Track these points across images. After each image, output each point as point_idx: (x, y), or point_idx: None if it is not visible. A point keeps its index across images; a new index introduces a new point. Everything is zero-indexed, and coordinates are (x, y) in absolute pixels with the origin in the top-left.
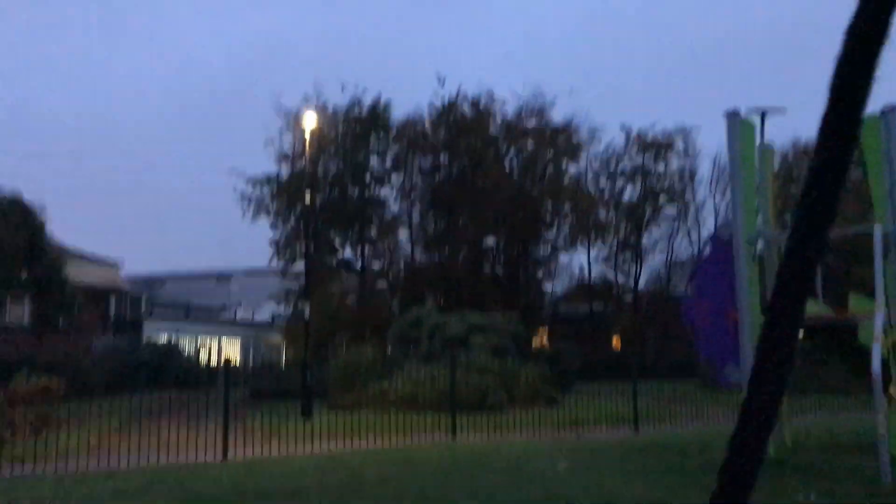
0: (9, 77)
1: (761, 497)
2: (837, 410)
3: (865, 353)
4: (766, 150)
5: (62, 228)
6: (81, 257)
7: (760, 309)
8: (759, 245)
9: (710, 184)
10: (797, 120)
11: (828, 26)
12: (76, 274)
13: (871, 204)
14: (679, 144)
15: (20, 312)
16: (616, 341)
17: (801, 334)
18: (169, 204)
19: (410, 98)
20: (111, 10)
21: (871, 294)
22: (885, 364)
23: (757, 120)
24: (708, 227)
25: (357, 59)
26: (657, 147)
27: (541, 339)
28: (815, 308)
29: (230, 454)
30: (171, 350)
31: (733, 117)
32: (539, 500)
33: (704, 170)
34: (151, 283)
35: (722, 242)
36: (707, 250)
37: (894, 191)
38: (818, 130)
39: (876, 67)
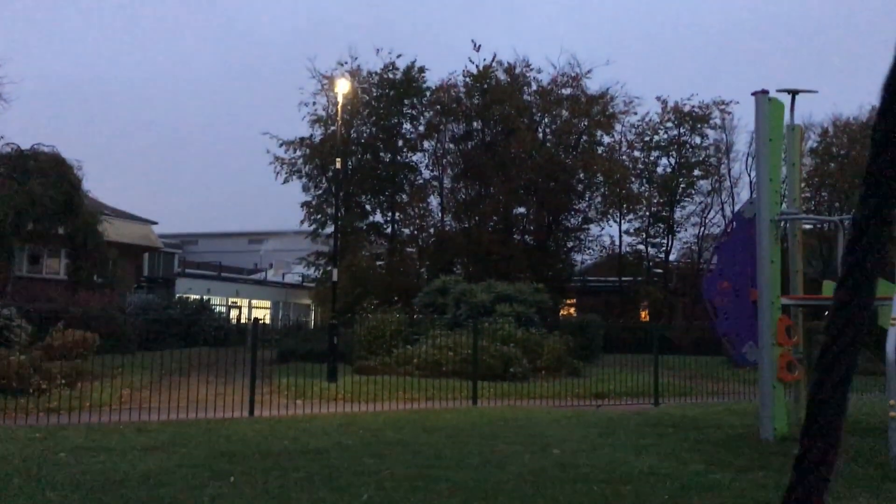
0: (51, 37)
1: (770, 474)
2: (859, 392)
3: (885, 336)
4: (796, 129)
5: (99, 186)
6: (117, 214)
7: (780, 289)
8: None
9: (746, 159)
10: (838, 96)
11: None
12: (111, 230)
13: None
14: (716, 117)
15: (56, 267)
16: (644, 314)
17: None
18: (203, 165)
19: (445, 66)
20: None
21: (891, 278)
22: None
23: (787, 99)
24: (742, 203)
25: (393, 29)
26: (693, 119)
27: (568, 310)
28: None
29: (256, 412)
30: (203, 308)
31: (762, 96)
32: (550, 469)
33: (741, 144)
34: (184, 241)
35: (745, 220)
36: (731, 228)
37: None
38: (881, 96)
39: None
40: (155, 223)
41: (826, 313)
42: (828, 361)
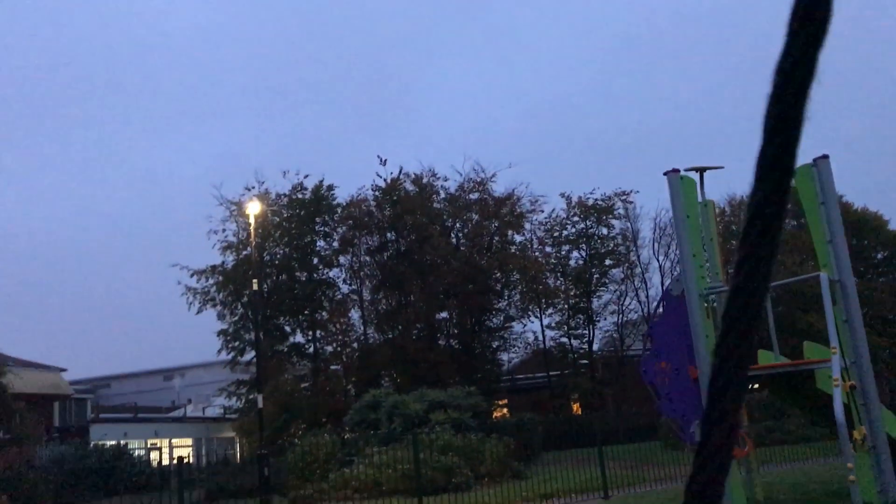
0: None
1: None
2: (801, 459)
3: (822, 400)
4: (708, 204)
5: (1, 337)
6: (22, 364)
7: None
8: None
9: (653, 244)
10: (731, 176)
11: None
12: (17, 382)
13: (807, 255)
14: (619, 208)
15: None
16: (576, 407)
17: (755, 385)
18: (113, 305)
19: (353, 182)
20: (53, 121)
21: (822, 340)
22: (845, 408)
23: (696, 177)
24: (654, 287)
25: (298, 153)
26: (598, 211)
27: (501, 411)
28: (770, 358)
29: None
30: (120, 453)
31: (673, 175)
32: None
33: (646, 230)
34: (97, 385)
35: (674, 298)
36: (660, 308)
37: (834, 238)
38: (753, 173)
39: (806, 104)
40: (64, 370)
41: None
42: (711, 426)
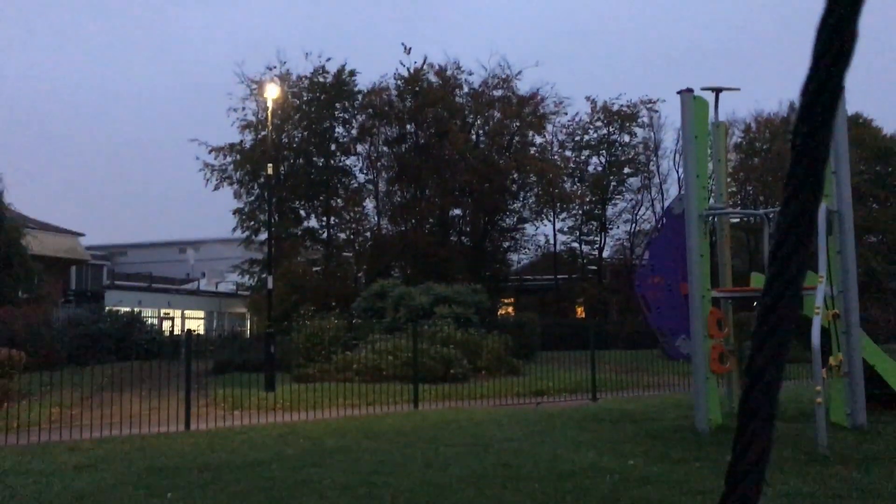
0: None
1: (706, 464)
2: (789, 378)
3: (808, 325)
4: (720, 126)
5: (22, 198)
6: (42, 227)
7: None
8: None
9: (674, 155)
10: (760, 93)
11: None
12: (36, 244)
13: None
14: (644, 116)
15: None
16: (580, 311)
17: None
18: (132, 174)
19: (376, 69)
20: None
21: (815, 268)
22: (826, 335)
23: (711, 97)
24: (671, 199)
25: (322, 33)
26: (622, 118)
27: (506, 309)
28: (762, 281)
29: (193, 426)
30: (134, 321)
31: (687, 95)
32: (493, 469)
33: (669, 141)
34: (113, 252)
35: (674, 216)
36: (661, 223)
37: (839, 169)
38: (800, 94)
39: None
40: (82, 235)
41: (755, 304)
42: (757, 368)
